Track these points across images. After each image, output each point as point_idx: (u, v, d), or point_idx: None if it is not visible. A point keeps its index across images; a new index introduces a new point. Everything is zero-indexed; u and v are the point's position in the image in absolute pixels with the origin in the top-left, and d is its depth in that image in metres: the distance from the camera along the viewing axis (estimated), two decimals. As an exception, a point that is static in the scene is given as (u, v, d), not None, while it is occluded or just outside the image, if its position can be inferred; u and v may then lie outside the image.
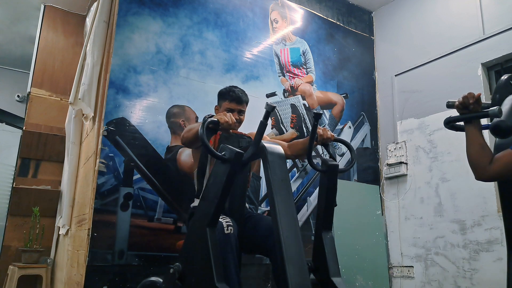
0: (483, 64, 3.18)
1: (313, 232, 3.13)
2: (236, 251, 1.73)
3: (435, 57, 3.53)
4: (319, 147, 3.47)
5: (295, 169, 3.28)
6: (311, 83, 3.59)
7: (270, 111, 1.51)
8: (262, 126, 1.52)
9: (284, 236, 1.33)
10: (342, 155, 3.64)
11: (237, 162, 1.53)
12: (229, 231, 1.73)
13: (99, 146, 2.45)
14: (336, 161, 1.86)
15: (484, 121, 1.73)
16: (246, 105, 2.22)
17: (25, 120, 3.64)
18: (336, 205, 1.76)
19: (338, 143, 3.60)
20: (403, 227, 3.52)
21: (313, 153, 2.17)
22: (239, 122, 2.21)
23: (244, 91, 2.22)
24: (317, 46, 3.72)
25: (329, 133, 1.97)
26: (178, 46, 2.88)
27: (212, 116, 1.77)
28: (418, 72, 3.69)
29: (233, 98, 2.15)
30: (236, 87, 2.22)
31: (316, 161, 2.38)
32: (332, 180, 1.79)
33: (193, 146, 2.16)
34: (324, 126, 3.57)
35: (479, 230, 2.97)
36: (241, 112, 2.20)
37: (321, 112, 1.90)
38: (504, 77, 1.61)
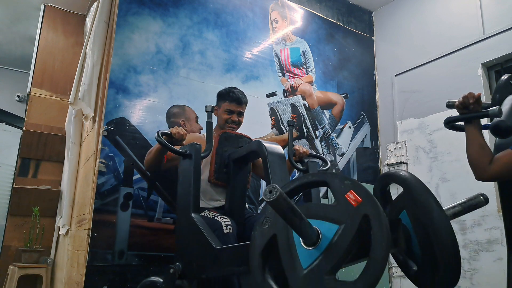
0: (483, 64, 3.18)
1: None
2: (235, 251, 1.73)
3: (435, 57, 3.53)
4: (319, 147, 3.47)
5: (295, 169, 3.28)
6: (311, 83, 3.59)
7: (210, 111, 1.94)
8: (209, 126, 1.93)
9: (284, 236, 1.33)
10: (342, 155, 3.64)
11: (198, 155, 1.79)
12: (228, 231, 1.73)
13: (99, 146, 2.45)
14: (327, 163, 2.21)
15: (484, 121, 1.73)
16: (245, 106, 2.23)
17: (25, 120, 3.64)
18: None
19: (338, 143, 3.61)
20: (403, 227, 3.51)
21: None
22: (238, 123, 2.23)
23: (243, 93, 2.23)
24: (317, 46, 3.72)
25: (304, 149, 2.23)
26: (178, 46, 2.88)
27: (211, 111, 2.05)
28: (418, 72, 3.69)
29: (232, 99, 2.16)
30: (235, 88, 2.22)
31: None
32: None
33: (155, 168, 2.23)
34: (325, 126, 3.57)
35: (479, 230, 2.97)
36: (240, 114, 2.21)
37: (294, 121, 2.32)
38: (504, 77, 1.61)
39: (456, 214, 1.36)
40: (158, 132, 1.85)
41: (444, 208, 1.23)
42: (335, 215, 1.04)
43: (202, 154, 1.84)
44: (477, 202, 1.35)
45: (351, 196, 1.02)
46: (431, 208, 1.12)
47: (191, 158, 1.76)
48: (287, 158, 2.05)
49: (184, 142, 1.98)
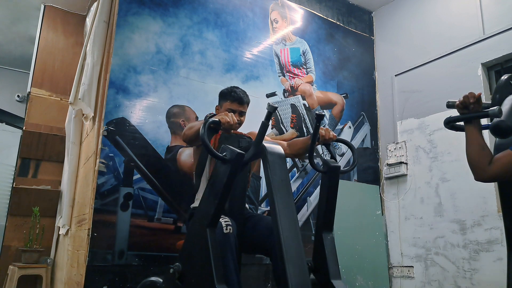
0: (483, 64, 3.18)
1: (313, 232, 3.13)
2: (235, 251, 1.73)
3: (435, 57, 3.53)
4: (319, 147, 3.47)
5: (295, 169, 3.28)
6: (311, 83, 3.59)
7: (272, 111, 1.50)
8: (264, 127, 1.51)
9: (284, 236, 1.33)
10: (342, 155, 3.64)
11: (238, 163, 1.53)
12: (228, 231, 1.73)
13: (99, 146, 2.45)
14: (336, 161, 1.87)
15: (484, 121, 1.73)
16: (247, 106, 2.22)
17: (25, 120, 3.64)
18: None
19: (338, 143, 3.60)
20: (403, 227, 3.52)
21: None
22: (240, 123, 2.21)
23: (245, 92, 2.22)
24: (317, 46, 3.72)
25: (332, 133, 1.97)
26: (178, 46, 2.88)
27: (214, 115, 1.77)
28: (418, 72, 3.69)
29: (235, 99, 2.15)
30: (237, 87, 2.22)
31: (316, 160, 2.38)
32: (333, 181, 1.79)
33: (193, 144, 2.17)
34: (325, 126, 3.57)
35: (479, 230, 2.97)
36: (242, 114, 2.20)
37: (323, 113, 1.89)
38: (504, 77, 1.61)
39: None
40: (206, 118, 1.65)
41: None
42: None
43: (244, 159, 1.55)
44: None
45: None
46: None
47: (229, 167, 1.53)
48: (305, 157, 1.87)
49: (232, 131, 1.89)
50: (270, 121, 1.56)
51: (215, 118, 1.68)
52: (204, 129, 1.55)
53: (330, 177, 1.79)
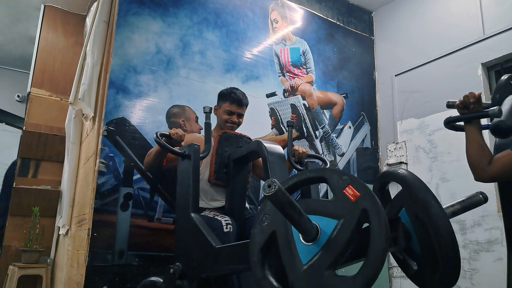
0: (483, 64, 3.18)
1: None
2: (236, 250, 1.73)
3: (435, 57, 3.53)
4: (319, 146, 3.47)
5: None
6: (311, 83, 3.59)
7: (209, 112, 1.95)
8: (208, 127, 1.96)
9: (284, 236, 1.34)
10: (342, 155, 3.64)
11: (197, 156, 1.79)
12: (228, 230, 1.73)
13: (99, 146, 2.45)
14: (327, 163, 2.18)
15: (484, 121, 1.73)
16: (246, 108, 2.23)
17: (25, 120, 3.63)
18: None
19: (338, 143, 3.61)
20: (403, 227, 3.51)
21: (312, 154, 2.43)
22: (238, 124, 2.23)
23: (244, 94, 2.23)
24: (317, 46, 3.72)
25: (302, 149, 2.21)
26: (178, 46, 2.88)
27: (211, 110, 2.05)
28: (418, 72, 3.69)
29: (234, 100, 2.16)
30: (237, 89, 2.22)
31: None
32: None
33: (157, 166, 2.28)
34: (325, 126, 3.57)
35: (479, 230, 2.97)
36: (240, 115, 2.21)
37: (293, 122, 2.41)
38: (504, 77, 1.61)
39: (455, 213, 1.36)
40: (157, 133, 1.87)
41: (443, 207, 1.22)
42: (334, 210, 1.05)
43: (201, 155, 1.85)
44: (476, 201, 1.35)
45: (350, 191, 1.02)
46: (430, 205, 1.12)
47: (190, 159, 1.78)
48: (286, 158, 2.05)
49: (183, 143, 1.99)
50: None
51: (165, 132, 1.95)
52: (157, 135, 1.85)
53: None
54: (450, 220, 1.18)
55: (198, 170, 1.80)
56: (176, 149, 1.89)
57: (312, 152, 2.63)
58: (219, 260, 1.48)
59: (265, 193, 0.94)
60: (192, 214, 1.64)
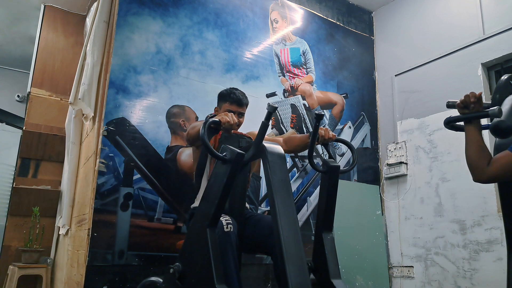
0: (483, 64, 3.18)
1: (313, 232, 3.13)
2: (236, 249, 1.73)
3: (435, 57, 3.53)
4: (318, 147, 3.47)
5: (295, 169, 3.28)
6: (311, 83, 3.59)
7: (272, 111, 1.49)
8: (264, 127, 1.50)
9: (284, 236, 1.33)
10: (342, 155, 3.64)
11: (238, 163, 1.52)
12: (228, 229, 1.73)
13: (99, 146, 2.45)
14: (336, 161, 1.88)
15: (484, 121, 1.73)
16: (246, 108, 2.23)
17: (25, 120, 3.64)
18: None
19: (338, 143, 3.60)
20: (403, 227, 3.52)
21: (340, 138, 2.15)
22: (238, 124, 2.22)
23: (244, 94, 2.23)
24: (317, 46, 3.72)
25: (331, 133, 1.98)
26: (178, 46, 2.88)
27: (214, 115, 1.77)
28: (418, 72, 3.69)
29: (234, 100, 2.15)
30: (236, 89, 2.22)
31: (316, 160, 2.39)
32: (332, 181, 1.79)
33: (195, 144, 2.17)
34: (325, 126, 3.57)
35: (479, 230, 2.97)
36: (241, 115, 2.20)
37: (322, 113, 1.89)
38: (504, 77, 1.61)
39: None
40: (207, 119, 1.63)
41: None
42: None
43: (243, 159, 1.54)
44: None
45: None
46: None
47: (229, 167, 1.51)
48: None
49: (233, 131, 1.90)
50: (270, 121, 1.56)
51: (216, 118, 1.68)
52: (204, 129, 1.54)
53: (330, 177, 1.79)
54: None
55: (231, 182, 1.54)
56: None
57: (340, 138, 2.18)
58: None
59: None
60: (208, 230, 1.52)
